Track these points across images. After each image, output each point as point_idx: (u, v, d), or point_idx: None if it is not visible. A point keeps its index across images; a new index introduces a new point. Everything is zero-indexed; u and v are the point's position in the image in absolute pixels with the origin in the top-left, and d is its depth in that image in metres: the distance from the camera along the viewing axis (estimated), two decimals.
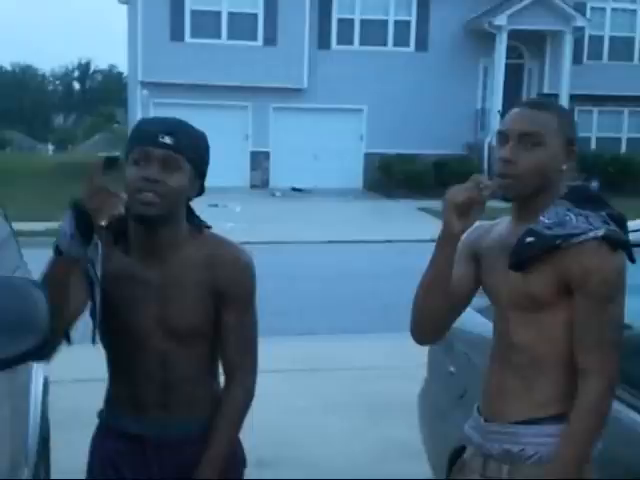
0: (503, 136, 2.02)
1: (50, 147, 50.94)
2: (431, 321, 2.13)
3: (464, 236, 2.11)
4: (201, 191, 2.12)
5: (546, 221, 1.97)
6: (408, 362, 5.61)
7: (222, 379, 2.18)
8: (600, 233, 1.90)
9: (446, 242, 2.03)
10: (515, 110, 2.05)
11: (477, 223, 2.10)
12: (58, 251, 1.86)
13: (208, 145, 2.11)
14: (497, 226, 2.18)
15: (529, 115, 2.01)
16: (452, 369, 3.44)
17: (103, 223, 1.82)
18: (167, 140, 1.98)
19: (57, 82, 73.39)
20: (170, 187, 1.98)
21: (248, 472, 2.28)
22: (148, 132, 2.00)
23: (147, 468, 2.11)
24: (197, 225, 2.14)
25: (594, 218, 1.93)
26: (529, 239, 1.96)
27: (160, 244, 2.06)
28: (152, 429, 2.11)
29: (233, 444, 2.15)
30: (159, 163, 1.97)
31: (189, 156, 2.02)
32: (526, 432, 2.02)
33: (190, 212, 2.14)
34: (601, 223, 1.92)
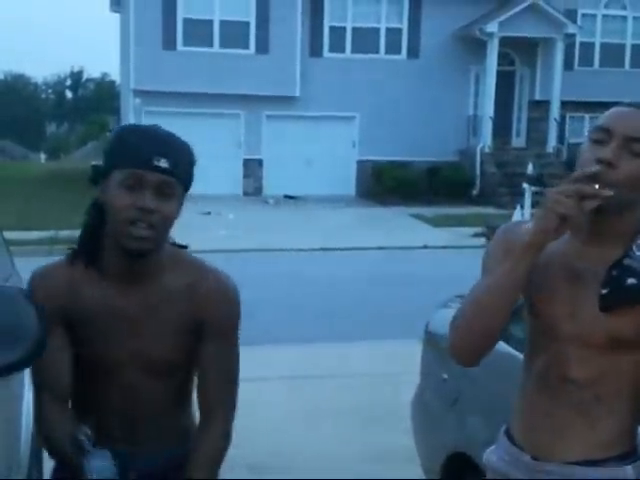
0: (604, 134, 1.71)
1: (42, 156, 50.76)
2: (490, 338, 1.79)
3: (506, 234, 1.86)
4: None
5: None
6: (401, 368, 5.62)
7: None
8: None
9: (535, 249, 1.70)
10: (625, 109, 1.74)
11: (515, 220, 1.90)
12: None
13: (194, 158, 1.92)
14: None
15: None
16: (445, 376, 3.44)
17: None
18: (163, 164, 1.80)
19: (49, 91, 73.29)
20: (165, 217, 1.83)
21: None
22: (141, 153, 1.81)
23: None
24: (176, 245, 2.00)
25: None
26: (631, 281, 1.69)
27: (141, 273, 1.91)
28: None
29: None
30: (153, 190, 1.80)
31: (182, 179, 1.86)
32: (586, 473, 1.82)
33: None
34: None
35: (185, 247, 2.03)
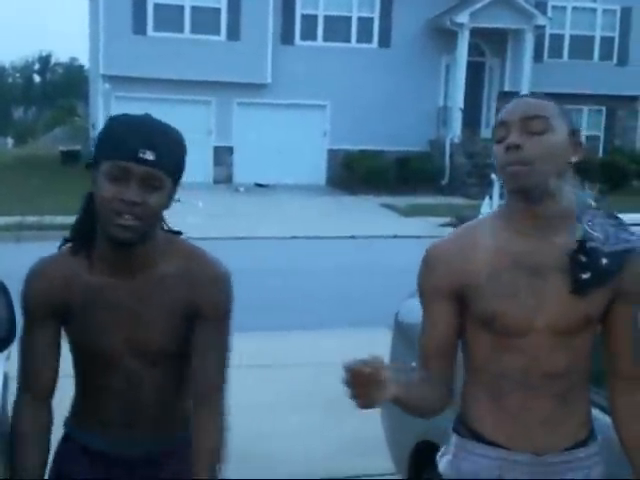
0: (504, 126, 1.82)
1: (9, 141, 50.13)
2: (449, 391, 2.05)
3: (434, 269, 1.88)
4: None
5: (600, 236, 1.81)
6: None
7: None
8: None
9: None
10: (514, 100, 1.88)
11: (433, 242, 1.92)
12: None
13: (185, 147, 1.92)
14: (480, 240, 1.88)
15: (530, 101, 1.84)
16: (414, 364, 3.46)
17: None
18: (148, 156, 1.80)
19: (17, 75, 72.26)
20: (150, 208, 1.83)
21: None
22: (126, 145, 1.80)
23: None
24: (169, 231, 2.01)
25: (629, 229, 1.87)
26: (604, 261, 1.79)
27: (132, 263, 1.92)
28: (116, 447, 2.03)
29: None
30: (138, 182, 1.80)
31: (170, 170, 1.86)
32: (578, 455, 1.93)
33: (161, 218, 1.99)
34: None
35: (179, 233, 2.03)
